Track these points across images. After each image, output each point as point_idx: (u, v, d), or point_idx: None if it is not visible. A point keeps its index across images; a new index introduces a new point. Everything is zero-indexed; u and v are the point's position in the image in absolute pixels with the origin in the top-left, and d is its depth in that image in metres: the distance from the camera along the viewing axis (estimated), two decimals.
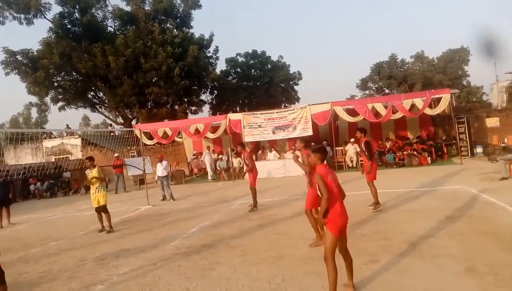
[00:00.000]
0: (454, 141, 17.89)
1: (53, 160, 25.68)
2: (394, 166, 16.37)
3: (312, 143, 18.48)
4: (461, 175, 12.12)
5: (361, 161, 17.50)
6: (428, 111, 15.63)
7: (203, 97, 33.13)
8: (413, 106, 15.68)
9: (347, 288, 4.09)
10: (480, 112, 20.47)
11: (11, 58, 25.80)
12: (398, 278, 4.33)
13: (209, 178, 18.99)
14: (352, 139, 17.52)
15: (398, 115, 15.96)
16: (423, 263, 4.72)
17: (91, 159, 9.03)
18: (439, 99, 15.52)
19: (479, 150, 17.63)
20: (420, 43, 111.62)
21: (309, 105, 17.02)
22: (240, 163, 19.03)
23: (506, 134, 18.36)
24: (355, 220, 7.31)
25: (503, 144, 17.54)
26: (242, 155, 10.50)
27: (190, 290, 4.64)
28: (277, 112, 17.74)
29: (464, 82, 47.79)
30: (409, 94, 16.93)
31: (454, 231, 5.94)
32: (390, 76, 45.03)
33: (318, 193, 3.95)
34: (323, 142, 18.05)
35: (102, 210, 8.80)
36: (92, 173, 8.77)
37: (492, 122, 19.33)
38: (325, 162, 4.21)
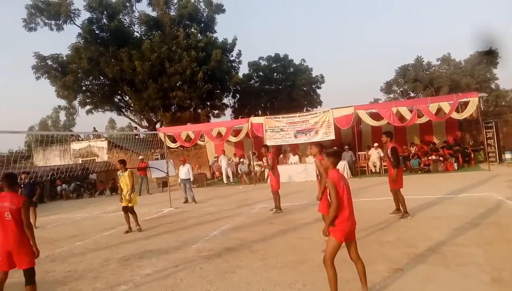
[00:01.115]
0: (481, 146, 17.36)
1: (80, 162, 26.47)
2: (419, 172, 16.01)
3: (334, 148, 18.38)
4: (489, 182, 11.75)
5: (384, 166, 17.28)
6: (455, 115, 15.24)
7: (225, 101, 33.51)
8: (439, 110, 15.32)
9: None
10: (509, 117, 19.78)
11: (41, 63, 26.84)
12: (422, 287, 4.24)
13: (225, 181, 19.06)
14: (376, 144, 17.28)
15: (423, 119, 15.62)
16: (448, 271, 4.61)
17: (123, 162, 9.36)
18: (466, 103, 15.12)
19: (507, 155, 17.06)
20: (447, 46, 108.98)
21: (331, 109, 16.89)
22: (261, 168, 19.09)
23: None
24: (379, 226, 7.23)
25: None
26: (266, 156, 10.47)
27: None
28: (299, 116, 17.69)
29: (493, 86, 46.36)
30: (435, 98, 16.54)
31: (480, 239, 5.78)
32: (415, 79, 44.12)
33: (329, 198, 3.87)
34: (345, 147, 17.91)
35: (129, 210, 9.06)
36: (124, 175, 9.09)
37: None
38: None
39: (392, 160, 7.83)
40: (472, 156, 16.79)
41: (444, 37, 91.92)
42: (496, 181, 11.64)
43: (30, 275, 4.43)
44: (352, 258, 4.03)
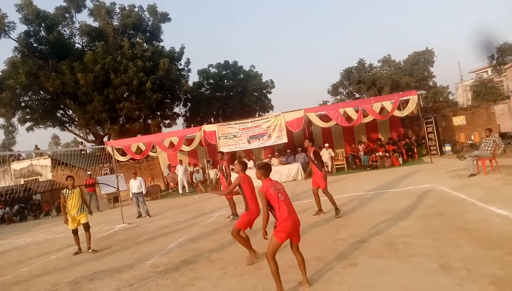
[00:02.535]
0: (423, 141, 18.41)
1: (22, 182, 24.79)
2: (368, 168, 16.69)
3: (288, 151, 18.69)
4: (432, 174, 12.46)
5: (336, 165, 17.81)
6: (397, 113, 16.04)
7: (176, 110, 33.01)
8: (382, 109, 16.07)
9: (303, 283, 4.42)
10: (447, 112, 21.23)
11: None
12: (376, 279, 4.37)
13: (180, 192, 18.65)
14: (327, 145, 17.80)
15: (369, 118, 16.30)
16: (400, 263, 4.80)
17: (72, 178, 8.47)
18: (407, 101, 15.97)
19: (447, 148, 18.22)
20: (387, 47, 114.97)
21: (282, 113, 17.15)
22: (217, 174, 18.93)
23: (472, 132, 19.08)
24: (333, 225, 7.40)
25: (470, 142, 18.20)
26: (220, 164, 10.39)
27: None
28: (251, 122, 17.78)
29: (431, 83, 49.53)
30: (378, 98, 17.34)
31: (428, 229, 6.08)
32: (359, 81, 46.07)
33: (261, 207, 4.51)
34: (298, 149, 18.25)
35: (86, 228, 8.41)
36: (74, 193, 8.33)
37: (458, 120, 20.05)
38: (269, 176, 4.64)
39: (316, 162, 8.39)
40: (415, 150, 17.76)
41: (384, 40, 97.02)
42: (438, 173, 12.36)
43: None
44: (292, 250, 4.44)
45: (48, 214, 18.97)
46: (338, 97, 50.25)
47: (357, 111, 16.12)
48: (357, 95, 47.44)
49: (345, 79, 48.72)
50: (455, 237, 5.50)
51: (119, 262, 7.17)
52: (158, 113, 29.82)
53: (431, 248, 5.17)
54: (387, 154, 16.99)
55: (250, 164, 18.77)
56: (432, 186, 9.93)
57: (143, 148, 18.64)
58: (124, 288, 5.56)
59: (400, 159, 16.84)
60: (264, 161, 19.63)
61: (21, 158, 28.00)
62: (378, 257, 5.14)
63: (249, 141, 17.47)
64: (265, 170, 4.60)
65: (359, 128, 19.29)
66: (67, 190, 8.36)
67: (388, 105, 15.83)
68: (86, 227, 8.40)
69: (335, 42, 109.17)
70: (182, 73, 30.93)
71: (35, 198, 20.61)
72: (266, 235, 4.45)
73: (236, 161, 6.12)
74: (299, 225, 4.41)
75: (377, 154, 17.05)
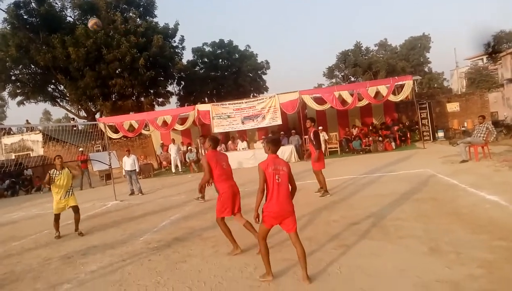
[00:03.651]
0: (417, 126, 18.51)
1: (13, 157, 24.56)
2: (361, 152, 16.79)
3: (282, 133, 18.67)
4: (424, 159, 12.57)
5: (329, 148, 17.88)
6: (392, 98, 16.06)
7: (170, 88, 32.64)
8: (377, 93, 16.06)
9: (303, 280, 4.03)
10: (441, 98, 21.32)
11: None
12: (366, 261, 4.43)
13: (173, 171, 18.64)
14: (320, 127, 17.78)
15: (363, 102, 16.30)
16: (391, 245, 4.86)
17: (60, 157, 7.80)
18: (402, 86, 15.97)
19: (440, 134, 18.36)
20: (384, 31, 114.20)
21: (277, 94, 17.06)
22: None
23: (466, 119, 19.23)
24: (325, 207, 7.46)
25: (463, 128, 18.35)
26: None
27: (161, 284, 4.56)
28: (245, 102, 17.67)
29: (426, 69, 49.51)
30: (374, 82, 17.31)
31: (419, 213, 6.15)
32: (355, 64, 45.91)
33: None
34: (291, 131, 18.24)
35: (75, 210, 7.78)
36: (62, 175, 7.64)
37: (452, 107, 20.16)
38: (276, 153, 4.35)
39: (314, 143, 8.49)
40: (408, 135, 17.86)
41: (382, 23, 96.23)
42: (430, 158, 12.48)
43: None
44: (292, 241, 4.13)
45: (39, 190, 18.87)
46: (334, 80, 50.13)
47: (352, 95, 16.10)
48: (352, 79, 47.35)
49: (341, 62, 48.51)
50: (445, 221, 5.58)
51: (111, 238, 7.18)
52: (151, 91, 29.46)
53: (422, 231, 5.24)
54: (380, 138, 17.07)
55: (244, 144, 18.77)
56: (424, 171, 10.03)
57: (135, 125, 18.49)
58: (117, 263, 5.58)
59: (393, 143, 16.94)
60: (257, 142, 19.64)
61: (12, 132, 27.65)
62: (369, 239, 5.20)
63: (243, 122, 17.41)
64: (272, 145, 4.31)
65: (353, 112, 19.31)
66: (55, 171, 7.66)
67: (383, 89, 15.81)
68: (76, 209, 7.78)
69: (332, 24, 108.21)
70: (176, 50, 30.42)
71: (27, 173, 20.49)
72: (258, 218, 4.17)
73: (208, 137, 5.74)
74: (288, 213, 4.06)
75: (370, 138, 17.12)
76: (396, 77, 17.44)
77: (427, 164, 11.18)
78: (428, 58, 49.71)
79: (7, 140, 26.29)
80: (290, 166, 4.33)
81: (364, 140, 17.26)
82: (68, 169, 7.90)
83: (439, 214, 5.99)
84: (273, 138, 4.49)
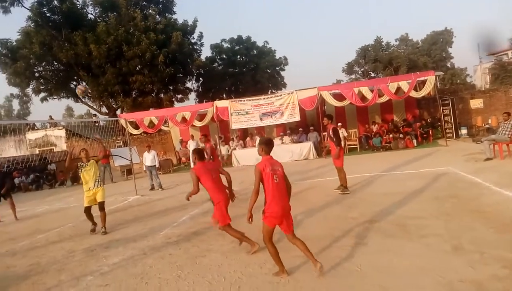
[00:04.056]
0: (439, 123, 18.11)
1: (37, 152, 25.27)
2: (381, 150, 16.55)
3: (300, 129, 18.59)
4: (447, 156, 12.31)
5: (349, 145, 17.72)
6: (414, 94, 15.75)
7: (188, 84, 32.92)
8: (398, 89, 15.77)
9: (315, 266, 4.06)
10: (464, 94, 20.79)
11: None
12: (386, 259, 4.39)
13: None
14: (339, 124, 17.62)
15: (384, 98, 16.04)
16: (411, 243, 4.80)
17: (85, 150, 7.92)
18: (424, 82, 15.64)
19: (463, 131, 17.90)
20: (405, 26, 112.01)
21: (296, 90, 16.98)
22: (228, 150, 19.01)
23: (489, 115, 18.70)
24: (343, 203, 7.41)
25: (487, 125, 17.85)
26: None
27: (182, 278, 4.63)
28: (264, 99, 17.66)
29: (448, 64, 48.33)
30: (395, 77, 17.00)
31: (441, 211, 6.04)
32: (375, 60, 45.17)
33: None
34: (310, 128, 18.15)
35: (101, 207, 7.66)
36: (89, 165, 7.74)
37: (476, 103, 19.64)
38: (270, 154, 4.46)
39: (334, 139, 8.41)
40: (430, 132, 17.50)
41: (402, 18, 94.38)
42: (453, 156, 12.19)
43: None
44: (289, 240, 4.23)
45: (63, 184, 19.38)
46: (353, 76, 49.48)
47: (372, 91, 15.86)
48: (372, 75, 46.64)
49: (361, 58, 47.80)
50: (468, 219, 5.47)
51: (133, 232, 7.34)
52: (171, 87, 29.79)
53: (444, 230, 5.15)
54: (401, 135, 16.78)
55: None
56: (446, 169, 9.82)
57: (155, 121, 18.71)
58: (138, 256, 5.70)
59: (414, 141, 16.63)
60: (275, 138, 19.61)
61: (36, 128, 28.44)
62: (389, 237, 5.14)
63: (261, 119, 17.39)
64: (266, 145, 4.39)
65: (373, 109, 19.02)
66: (82, 163, 7.82)
67: (404, 85, 15.52)
68: (101, 206, 7.68)
69: (351, 19, 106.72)
70: (195, 47, 30.66)
71: (50, 168, 21.06)
72: (251, 219, 4.24)
73: (192, 149, 5.88)
74: (288, 212, 4.19)
75: (391, 135, 16.85)
76: (418, 72, 17.07)
77: (450, 161, 10.94)
78: (451, 53, 48.57)
79: (32, 135, 27.07)
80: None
81: (384, 137, 17.00)
82: (93, 160, 7.97)
83: (461, 212, 5.87)
84: (266, 140, 4.54)
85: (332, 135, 8.47)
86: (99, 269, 5.34)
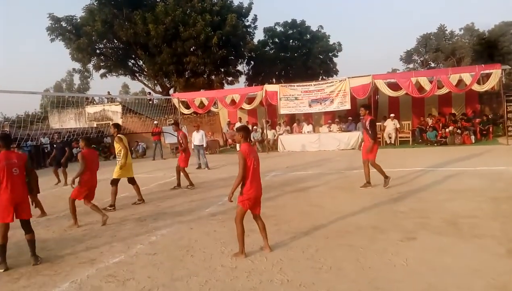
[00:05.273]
0: (501, 120, 16.91)
1: (95, 125, 26.75)
2: (435, 144, 15.77)
3: (350, 118, 18.13)
4: (507, 156, 11.54)
5: (400, 137, 17.07)
6: (476, 87, 14.81)
7: (239, 67, 33.03)
8: (460, 81, 14.87)
9: (264, 248, 4.73)
10: None
11: (56, 25, 26.64)
12: (435, 256, 4.23)
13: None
14: (392, 115, 17.02)
15: (443, 90, 15.20)
16: (463, 243, 4.58)
17: (115, 125, 8.57)
18: (488, 75, 14.62)
19: None
20: (472, 13, 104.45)
21: (348, 78, 16.52)
22: (275, 135, 19.01)
23: None
24: (392, 197, 7.19)
25: None
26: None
27: (225, 254, 4.77)
28: (314, 85, 17.39)
29: None
30: (457, 69, 16.01)
31: (497, 213, 5.71)
32: (437, 49, 42.70)
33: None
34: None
35: (131, 181, 8.39)
36: (115, 141, 8.31)
37: None
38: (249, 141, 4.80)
39: (370, 132, 8.06)
40: (491, 129, 16.40)
41: (469, 6, 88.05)
42: None
43: (28, 224, 4.92)
44: (254, 217, 4.74)
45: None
46: (411, 65, 47.18)
47: (431, 82, 15.08)
48: (432, 65, 44.24)
49: (422, 46, 45.40)
50: None
51: (179, 207, 7.64)
52: (222, 69, 30.10)
53: (500, 232, 4.87)
54: (458, 131, 15.86)
55: (309, 128, 18.57)
56: (506, 169, 9.21)
57: (206, 102, 19.10)
58: (185, 230, 5.94)
59: (473, 137, 15.66)
60: (323, 126, 19.33)
61: (94, 102, 30.06)
62: (440, 234, 4.94)
63: (310, 105, 17.17)
64: (244, 132, 4.67)
65: (430, 101, 18.04)
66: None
67: (467, 77, 14.59)
68: (111, 181, 8.21)
69: (413, 5, 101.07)
70: (248, 30, 30.63)
71: (106, 141, 22.24)
72: (231, 199, 4.54)
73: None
74: (260, 196, 4.66)
75: (447, 130, 15.96)
76: (482, 65, 15.96)
77: (510, 161, 10.23)
78: None
79: (90, 109, 28.65)
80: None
81: (440, 132, 16.15)
82: (119, 136, 8.29)
83: None
84: (243, 127, 4.83)
85: (368, 127, 8.09)
86: (148, 239, 5.63)
